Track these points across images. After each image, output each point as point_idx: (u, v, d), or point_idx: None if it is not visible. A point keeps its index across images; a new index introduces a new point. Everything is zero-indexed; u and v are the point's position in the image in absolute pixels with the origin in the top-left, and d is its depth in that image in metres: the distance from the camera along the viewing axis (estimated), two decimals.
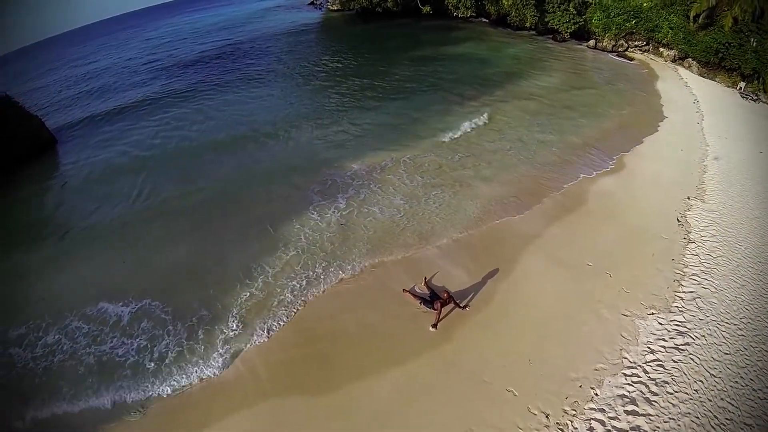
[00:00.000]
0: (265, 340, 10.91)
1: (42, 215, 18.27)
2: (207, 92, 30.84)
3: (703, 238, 13.58)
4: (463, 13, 47.95)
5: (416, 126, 22.80)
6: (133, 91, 33.53)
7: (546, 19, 40.62)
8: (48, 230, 16.90)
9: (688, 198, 15.72)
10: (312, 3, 72.34)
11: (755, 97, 25.00)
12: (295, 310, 11.68)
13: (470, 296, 11.41)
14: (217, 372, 10.22)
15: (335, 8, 62.08)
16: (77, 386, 10.31)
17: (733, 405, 8.51)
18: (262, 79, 32.89)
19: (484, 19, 50.47)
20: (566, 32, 39.65)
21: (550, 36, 41.46)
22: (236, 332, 11.16)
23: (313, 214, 15.61)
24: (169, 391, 9.93)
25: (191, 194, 17.76)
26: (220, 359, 10.49)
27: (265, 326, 11.23)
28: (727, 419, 8.22)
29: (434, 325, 10.44)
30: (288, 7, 75.48)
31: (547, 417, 8.28)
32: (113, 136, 25.24)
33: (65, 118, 29.73)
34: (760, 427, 8.09)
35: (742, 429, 8.09)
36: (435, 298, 10.73)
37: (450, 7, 48.09)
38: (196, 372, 10.30)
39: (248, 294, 12.28)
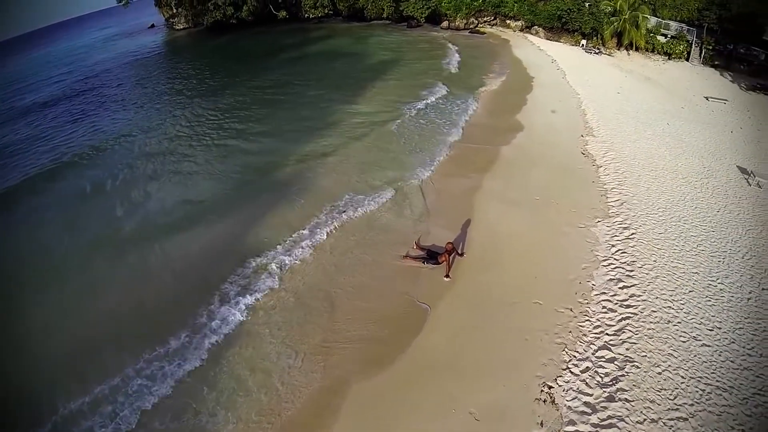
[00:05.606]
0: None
1: None
2: (69, 157, 22.77)
3: (606, 162, 17.73)
4: (320, 12, 50.36)
5: (320, 124, 23.60)
6: None
7: (401, 8, 45.10)
8: None
9: (582, 136, 20.05)
10: (152, 26, 69.48)
11: (597, 51, 32.02)
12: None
13: (459, 245, 13.37)
14: None
15: (181, 27, 60.47)
16: None
17: (681, 264, 12.03)
18: (131, 124, 26.68)
19: (337, 17, 53.67)
20: (421, 17, 44.55)
21: (405, 23, 46.18)
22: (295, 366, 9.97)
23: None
24: None
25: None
26: None
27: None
28: (682, 273, 11.67)
29: (447, 275, 12.10)
30: (127, 33, 70.88)
31: (571, 311, 10.65)
32: None
33: None
34: (703, 273, 11.67)
35: (691, 277, 11.56)
36: (435, 254, 12.47)
37: (306, 9, 50.06)
38: None
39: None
